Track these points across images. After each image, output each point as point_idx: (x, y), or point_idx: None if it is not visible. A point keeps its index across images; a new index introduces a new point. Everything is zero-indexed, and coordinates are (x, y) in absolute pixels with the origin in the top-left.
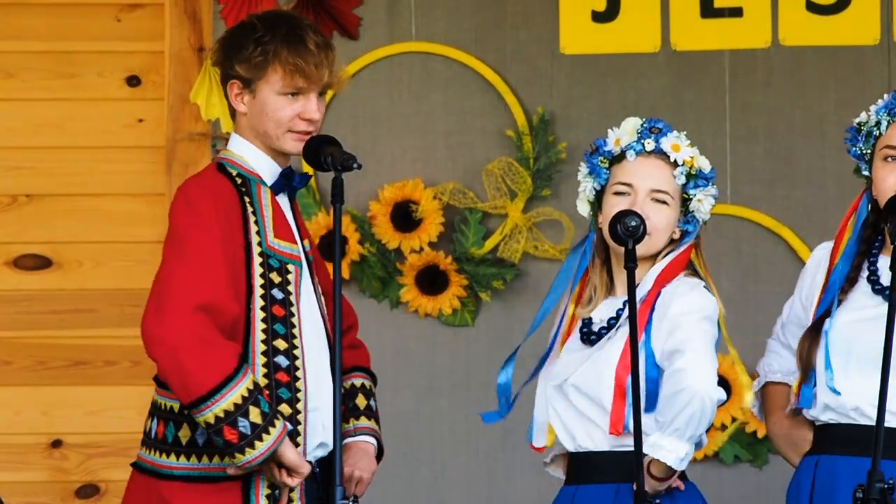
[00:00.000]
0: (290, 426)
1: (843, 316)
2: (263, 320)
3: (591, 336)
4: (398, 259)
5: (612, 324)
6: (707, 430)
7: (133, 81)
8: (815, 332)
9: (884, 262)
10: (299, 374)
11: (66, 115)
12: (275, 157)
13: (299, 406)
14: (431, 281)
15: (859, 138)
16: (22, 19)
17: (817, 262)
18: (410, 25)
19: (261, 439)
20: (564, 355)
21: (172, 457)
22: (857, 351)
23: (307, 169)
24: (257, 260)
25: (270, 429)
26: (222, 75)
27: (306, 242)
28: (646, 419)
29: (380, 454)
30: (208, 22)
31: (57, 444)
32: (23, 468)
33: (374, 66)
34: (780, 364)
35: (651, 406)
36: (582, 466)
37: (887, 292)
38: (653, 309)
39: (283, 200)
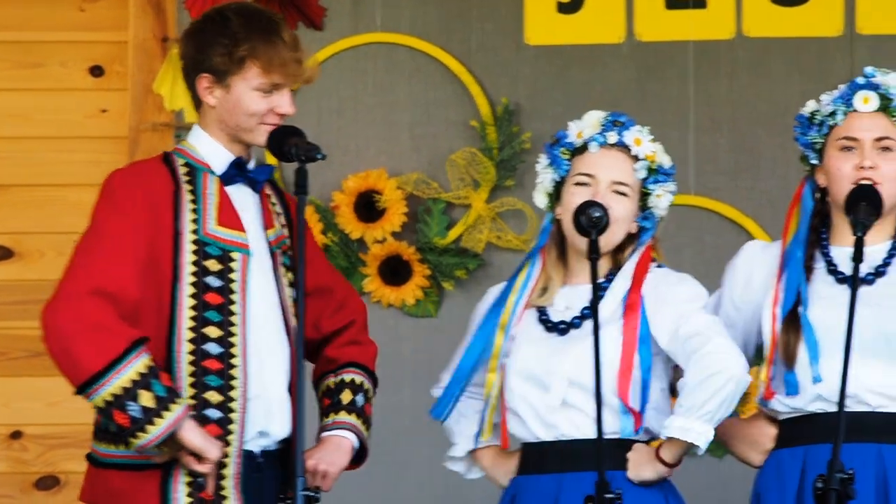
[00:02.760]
0: (215, 413)
1: (814, 307)
2: (193, 307)
3: (560, 325)
4: (361, 249)
5: (585, 313)
6: None
7: (97, 71)
8: (794, 323)
9: (838, 252)
10: (235, 361)
11: (30, 105)
12: (232, 148)
13: (233, 394)
14: (395, 271)
15: (811, 127)
16: None
17: (749, 262)
18: (375, 16)
19: (153, 423)
20: (526, 345)
21: (107, 445)
22: (838, 339)
23: (271, 160)
24: (189, 248)
25: (164, 412)
26: (189, 68)
27: (270, 233)
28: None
29: (362, 451)
30: (172, 12)
31: (16, 435)
32: None
33: (338, 57)
34: None
35: (644, 393)
36: (562, 455)
37: (851, 282)
38: (642, 297)
39: (241, 190)
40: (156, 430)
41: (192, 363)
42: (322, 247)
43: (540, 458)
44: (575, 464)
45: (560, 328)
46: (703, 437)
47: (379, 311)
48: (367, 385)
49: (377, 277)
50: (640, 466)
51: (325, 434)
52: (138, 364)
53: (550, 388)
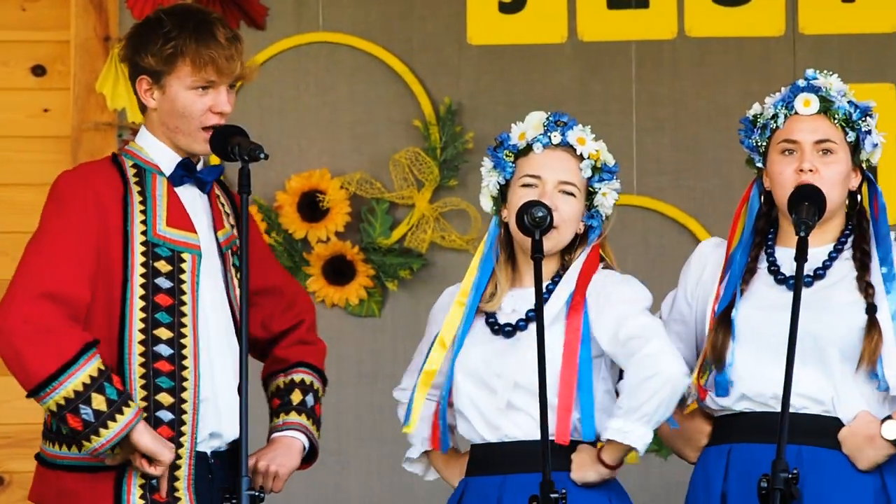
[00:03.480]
0: (166, 415)
1: (747, 307)
2: (143, 309)
3: (506, 328)
4: (305, 249)
5: (530, 315)
6: None
7: (38, 71)
8: (726, 324)
9: (781, 253)
10: (187, 363)
11: None
12: (180, 151)
13: (185, 395)
14: (338, 271)
15: (754, 130)
16: None
17: (703, 258)
18: (317, 16)
19: (106, 427)
20: (472, 347)
21: (57, 446)
22: (769, 340)
23: (215, 160)
24: (138, 249)
25: (118, 416)
26: (131, 71)
27: (220, 233)
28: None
29: (312, 452)
30: (114, 11)
31: None
32: None
33: (280, 57)
34: None
35: (587, 393)
36: (506, 456)
37: (791, 282)
38: (585, 298)
39: (190, 191)
40: (109, 434)
41: (142, 365)
42: None
43: (485, 459)
44: (519, 465)
45: (506, 331)
46: (640, 439)
47: (323, 310)
48: (317, 385)
49: (321, 277)
50: (583, 468)
51: (275, 435)
52: (90, 367)
53: (496, 390)
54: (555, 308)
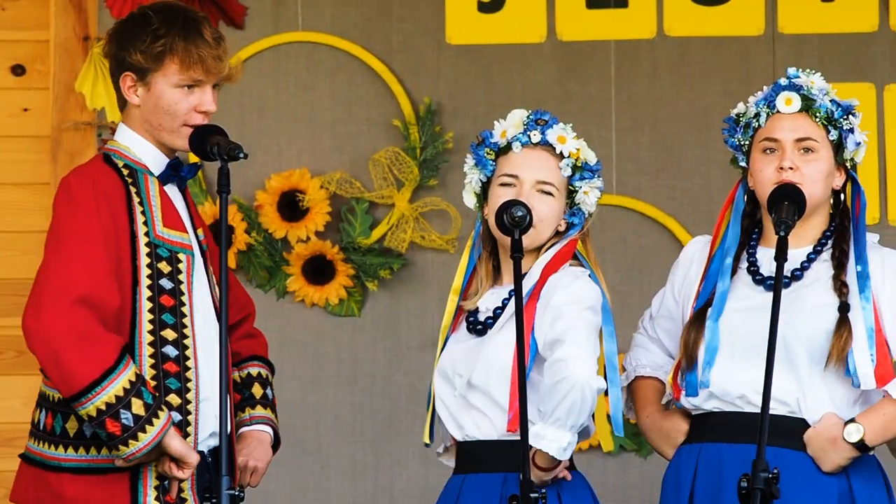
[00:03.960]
0: (176, 416)
1: (725, 306)
2: (151, 311)
3: (477, 326)
4: (285, 248)
5: (497, 314)
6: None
7: (18, 70)
8: (699, 323)
9: (763, 253)
10: (189, 363)
11: None
12: (162, 148)
13: (189, 396)
14: (318, 270)
15: (737, 129)
16: None
17: (690, 256)
18: (297, 15)
19: (144, 431)
20: (452, 345)
21: (61, 448)
22: (741, 340)
23: (194, 159)
24: (144, 250)
25: (154, 420)
26: (114, 67)
27: (200, 232)
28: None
29: (276, 444)
30: (93, 11)
31: None
32: None
33: (260, 56)
34: (648, 358)
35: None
36: (469, 456)
37: (769, 282)
38: (538, 299)
39: (172, 190)
40: (147, 438)
41: (153, 367)
42: (246, 246)
43: (458, 458)
44: (477, 465)
45: (477, 329)
46: (554, 443)
47: (302, 310)
48: (271, 377)
49: (301, 277)
50: (533, 471)
51: (245, 429)
52: (129, 372)
53: (456, 388)
54: (513, 303)
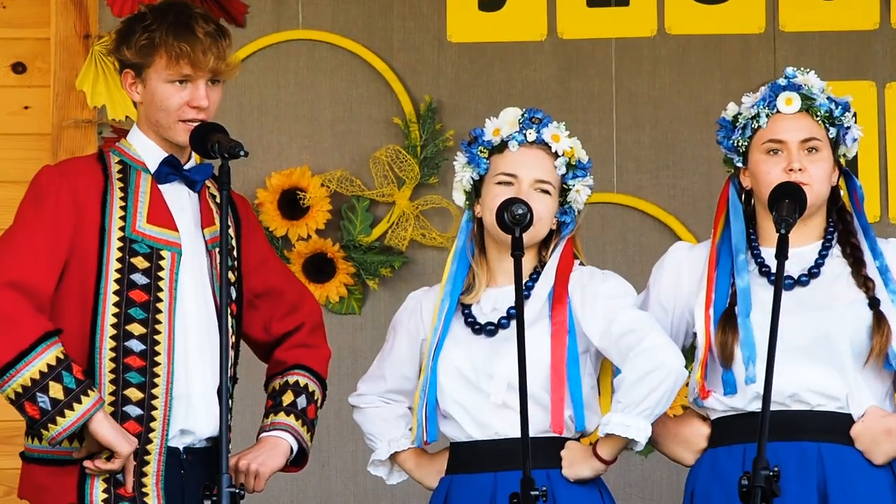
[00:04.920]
0: (133, 410)
1: (752, 310)
2: (116, 304)
3: (488, 327)
4: (285, 246)
5: (511, 313)
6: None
7: (19, 68)
8: (730, 323)
9: (767, 253)
10: (160, 359)
11: None
12: (166, 146)
13: (156, 391)
14: (319, 268)
15: (734, 130)
16: None
17: (677, 263)
18: (297, 13)
19: (63, 415)
20: (455, 347)
21: (32, 440)
22: (782, 341)
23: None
24: (115, 244)
25: (75, 404)
26: (117, 66)
27: (207, 231)
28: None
29: (301, 454)
30: (94, 9)
31: None
32: None
33: (260, 54)
34: None
35: (576, 387)
36: (498, 454)
37: (787, 282)
38: (568, 295)
39: (175, 189)
40: (66, 422)
41: (112, 360)
42: None
43: (474, 456)
44: (511, 463)
45: (488, 330)
46: (643, 433)
47: None
48: (313, 387)
49: (301, 275)
50: (576, 464)
51: (262, 435)
52: (48, 356)
53: (489, 390)
54: (537, 304)
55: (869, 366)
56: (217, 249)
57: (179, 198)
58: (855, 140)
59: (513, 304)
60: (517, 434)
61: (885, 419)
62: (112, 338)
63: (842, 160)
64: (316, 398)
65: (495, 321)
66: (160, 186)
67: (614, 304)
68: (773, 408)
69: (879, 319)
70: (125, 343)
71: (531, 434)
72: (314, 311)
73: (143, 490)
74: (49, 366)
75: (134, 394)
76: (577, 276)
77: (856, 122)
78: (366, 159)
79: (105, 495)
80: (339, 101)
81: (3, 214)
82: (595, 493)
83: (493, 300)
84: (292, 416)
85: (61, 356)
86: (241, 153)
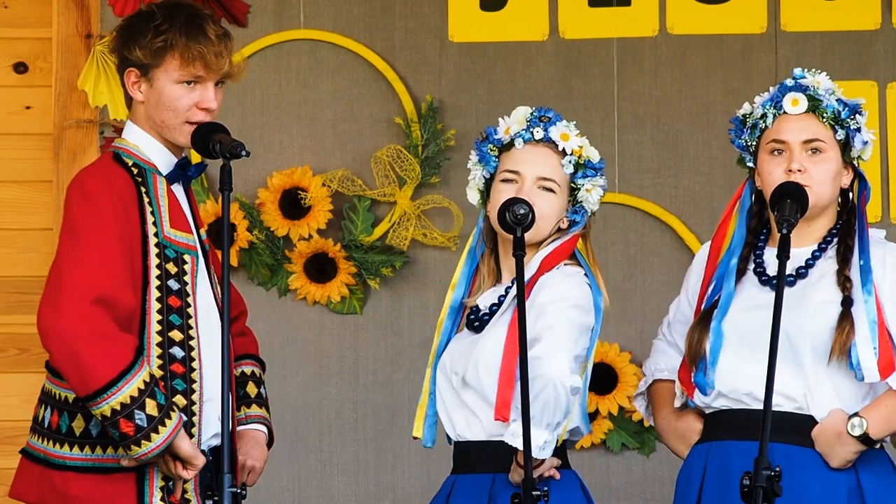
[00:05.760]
0: (185, 418)
1: (733, 308)
2: (159, 311)
3: (475, 323)
4: (287, 246)
5: (493, 310)
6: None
7: (20, 68)
8: (704, 324)
9: (770, 254)
10: (195, 364)
11: None
12: (169, 146)
13: (194, 397)
14: (320, 268)
15: (744, 130)
16: None
17: (702, 261)
18: (299, 13)
19: (157, 431)
20: (452, 345)
21: (66, 447)
22: (749, 339)
23: (197, 158)
24: (153, 251)
25: (167, 421)
26: (119, 63)
27: (202, 231)
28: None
29: (270, 442)
30: (96, 9)
31: None
32: None
33: (262, 54)
34: (666, 362)
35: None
36: (461, 456)
37: (774, 282)
38: (528, 298)
39: (177, 189)
40: (159, 439)
41: (160, 367)
42: (247, 244)
43: (474, 456)
44: (469, 466)
45: (474, 326)
46: (532, 443)
47: (304, 308)
48: (263, 375)
49: (303, 274)
50: (514, 470)
51: (241, 428)
52: (144, 373)
53: (457, 386)
54: (508, 300)
55: (836, 367)
56: (210, 250)
57: (182, 199)
58: (865, 143)
59: (495, 302)
60: (472, 436)
61: (839, 422)
62: (158, 345)
63: (856, 162)
64: (264, 382)
65: (481, 318)
66: (172, 188)
67: (544, 308)
68: (730, 406)
69: (843, 318)
70: (169, 350)
71: (483, 437)
72: (242, 299)
73: (186, 496)
74: (145, 382)
75: (180, 400)
76: (547, 276)
77: (866, 125)
78: (367, 159)
79: (162, 503)
80: (340, 101)
81: (4, 214)
82: (581, 497)
83: (491, 297)
84: (263, 407)
85: (152, 372)
86: (243, 153)
